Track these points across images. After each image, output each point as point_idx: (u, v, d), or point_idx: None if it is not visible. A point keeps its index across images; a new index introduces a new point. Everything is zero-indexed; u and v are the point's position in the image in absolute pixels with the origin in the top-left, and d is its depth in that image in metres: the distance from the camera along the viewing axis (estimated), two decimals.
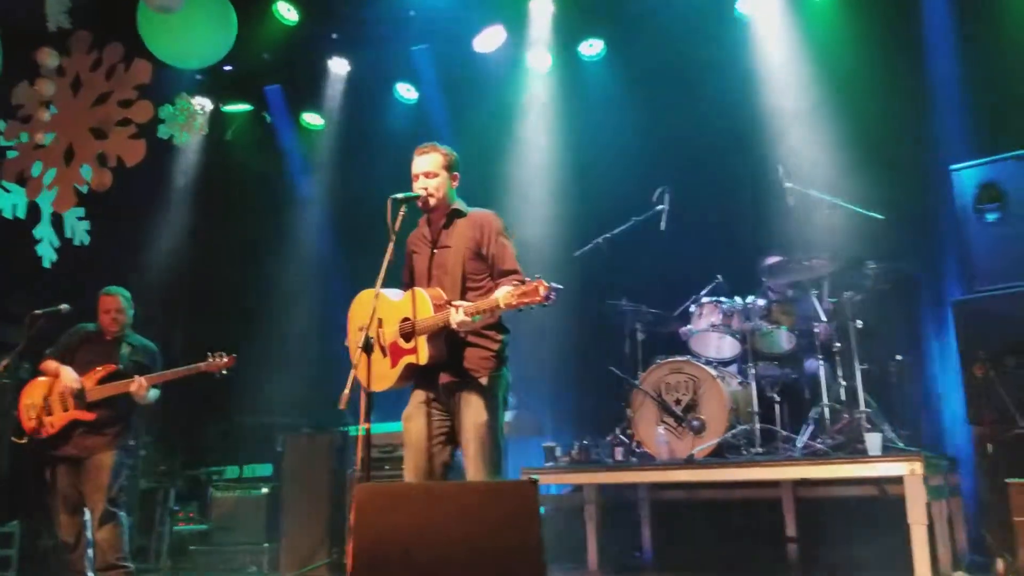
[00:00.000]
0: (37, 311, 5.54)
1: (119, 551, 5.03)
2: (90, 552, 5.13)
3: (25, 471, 5.83)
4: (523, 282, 3.84)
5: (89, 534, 5.11)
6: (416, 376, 3.97)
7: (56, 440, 5.13)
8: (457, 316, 3.67)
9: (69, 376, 5.23)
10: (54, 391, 5.22)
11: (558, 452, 6.46)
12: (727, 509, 6.46)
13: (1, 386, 6.17)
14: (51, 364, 5.35)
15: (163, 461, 7.51)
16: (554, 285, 3.49)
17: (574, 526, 6.28)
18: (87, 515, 5.11)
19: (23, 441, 5.23)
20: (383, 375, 3.92)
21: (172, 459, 7.55)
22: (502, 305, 3.57)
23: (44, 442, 5.14)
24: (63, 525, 5.11)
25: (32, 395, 5.30)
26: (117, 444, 5.21)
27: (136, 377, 5.15)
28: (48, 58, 6.85)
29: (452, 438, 3.91)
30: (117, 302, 5.48)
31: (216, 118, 8.31)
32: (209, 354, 5.29)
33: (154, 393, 5.32)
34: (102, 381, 5.22)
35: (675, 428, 5.75)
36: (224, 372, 5.29)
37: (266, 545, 6.86)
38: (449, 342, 3.86)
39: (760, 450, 5.43)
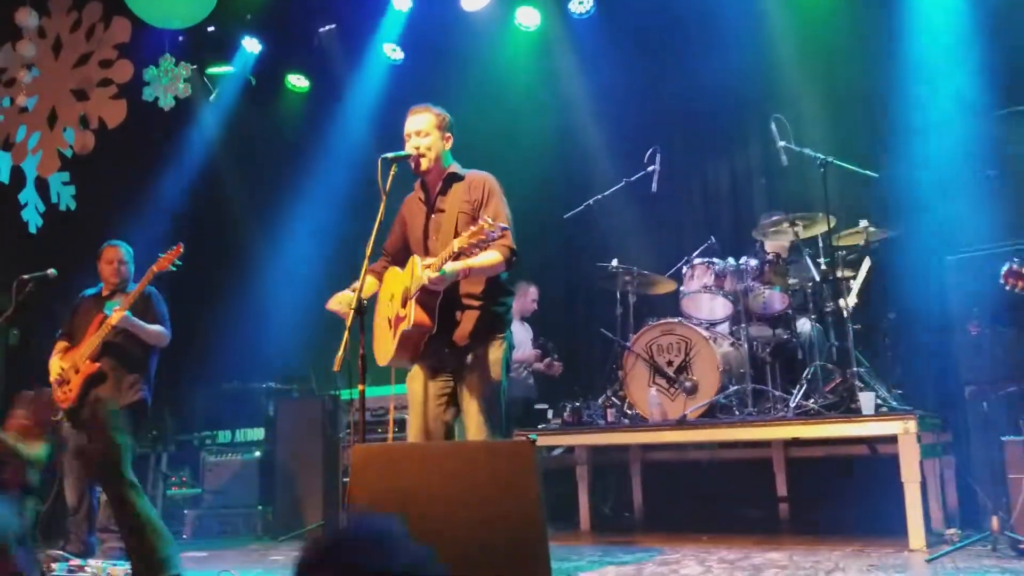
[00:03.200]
0: (24, 276, 5.50)
1: None
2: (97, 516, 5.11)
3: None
4: (512, 251, 3.82)
5: (95, 498, 5.09)
6: (420, 345, 3.93)
7: (79, 408, 5.06)
8: (425, 273, 3.63)
9: (53, 363, 5.23)
10: (66, 364, 5.19)
11: (550, 414, 6.47)
12: (719, 470, 6.50)
13: None
14: (56, 348, 5.34)
15: (154, 426, 7.48)
16: (501, 224, 3.47)
17: (566, 487, 6.31)
18: None
19: (58, 419, 5.14)
20: (386, 349, 3.90)
21: (163, 424, 7.53)
22: (456, 248, 3.55)
23: (71, 413, 5.06)
24: (70, 487, 5.09)
25: (54, 374, 5.24)
26: (129, 397, 5.09)
27: (112, 313, 5.06)
28: (28, 18, 6.72)
29: (455, 400, 3.91)
30: (119, 253, 5.44)
31: (199, 80, 8.18)
32: (159, 255, 5.20)
33: (158, 329, 5.23)
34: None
35: (667, 389, 5.75)
36: (177, 263, 5.18)
37: (259, 508, 6.88)
38: (452, 306, 3.83)
39: (752, 410, 5.44)
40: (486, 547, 2.98)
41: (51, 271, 5.47)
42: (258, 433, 7.42)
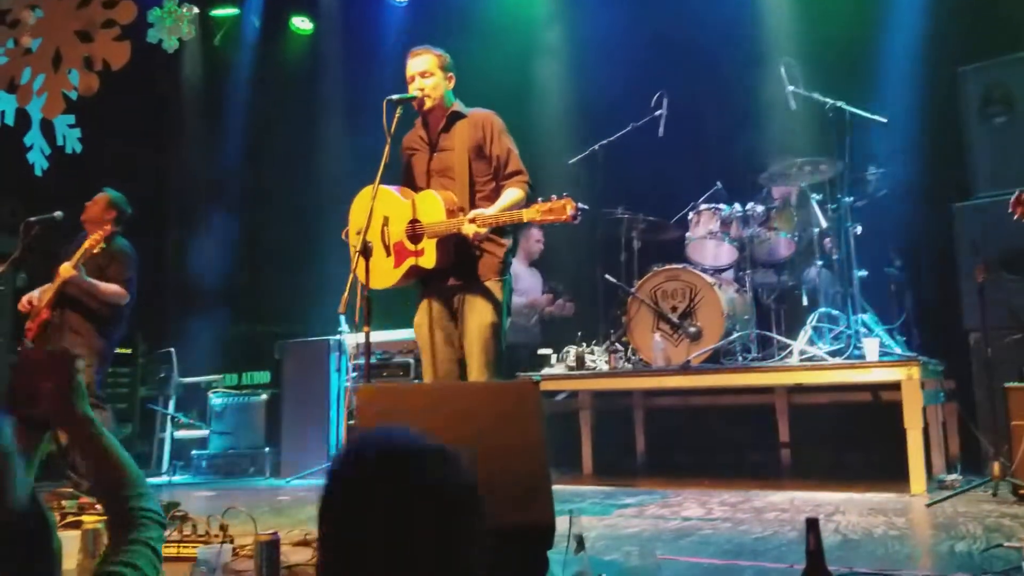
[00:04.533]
0: (31, 219, 5.49)
1: None
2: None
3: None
4: (529, 185, 3.83)
5: None
6: (420, 278, 3.97)
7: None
8: (472, 227, 3.66)
9: (27, 296, 5.30)
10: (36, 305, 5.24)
11: (553, 360, 6.50)
12: (721, 415, 6.54)
13: None
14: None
15: (161, 369, 7.55)
16: (581, 205, 3.49)
17: (569, 432, 6.36)
18: None
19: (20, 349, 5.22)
20: (385, 274, 3.91)
21: (170, 367, 7.59)
22: (525, 219, 3.59)
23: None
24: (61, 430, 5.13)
25: (21, 304, 5.31)
26: (89, 344, 5.12)
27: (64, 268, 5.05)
28: None
29: (459, 340, 3.93)
30: (100, 201, 5.43)
31: (204, 23, 8.08)
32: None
33: (114, 288, 5.18)
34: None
35: (671, 335, 5.76)
36: (103, 246, 5.11)
37: (266, 450, 6.96)
38: (455, 246, 3.84)
39: (756, 356, 5.46)
40: (490, 487, 3.00)
41: (57, 214, 5.47)
42: (264, 376, 7.47)
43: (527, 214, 3.61)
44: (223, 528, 3.11)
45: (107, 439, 1.69)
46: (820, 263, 5.64)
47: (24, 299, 5.31)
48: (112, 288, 5.20)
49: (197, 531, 3.13)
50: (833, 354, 5.17)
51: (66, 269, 5.02)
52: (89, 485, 4.90)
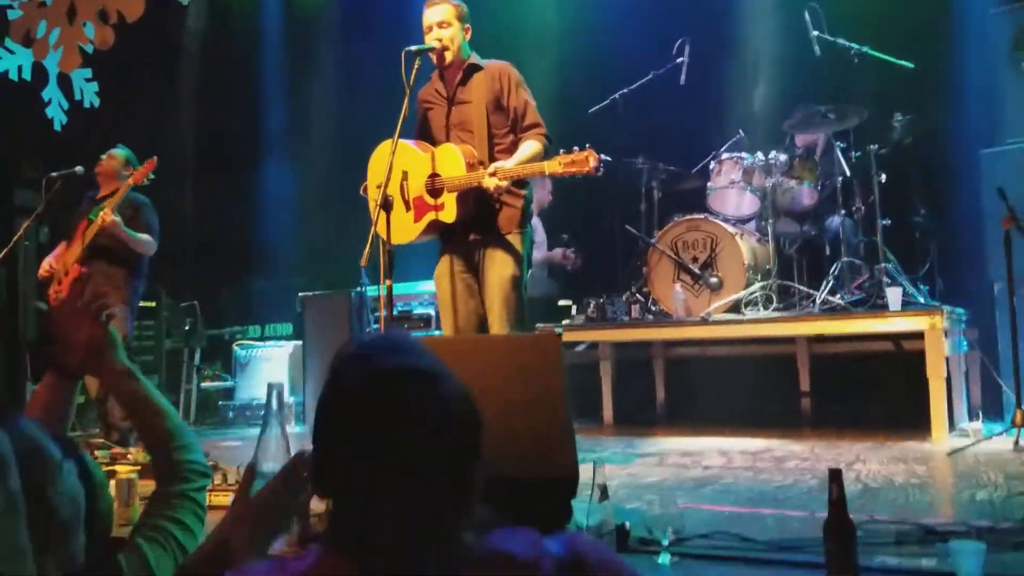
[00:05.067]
0: (53, 174, 5.52)
1: None
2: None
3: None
4: (547, 137, 3.81)
5: None
6: (440, 233, 3.97)
7: None
8: (493, 180, 3.65)
9: (45, 262, 5.30)
10: (60, 266, 5.26)
11: (573, 311, 6.51)
12: (742, 366, 6.54)
13: (23, 250, 6.21)
14: (60, 247, 5.39)
15: (185, 322, 7.63)
16: (603, 156, 3.47)
17: (589, 383, 6.39)
18: None
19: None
20: (405, 229, 3.91)
21: (195, 319, 7.67)
22: (547, 173, 3.57)
23: None
24: (88, 381, 5.21)
25: (43, 270, 5.33)
26: (120, 296, 5.13)
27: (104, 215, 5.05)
28: None
29: (480, 294, 3.94)
30: (115, 158, 5.42)
31: None
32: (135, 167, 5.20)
33: (144, 238, 5.21)
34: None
35: (692, 286, 5.75)
36: (151, 177, 5.16)
37: (291, 399, 7.04)
38: (475, 200, 3.83)
39: (777, 307, 5.44)
40: (513, 438, 3.03)
41: (78, 168, 5.48)
42: (287, 328, 7.55)
43: (549, 166, 3.60)
44: None
45: (147, 390, 1.71)
46: (843, 213, 5.59)
47: (44, 265, 5.32)
48: (145, 237, 5.23)
49: (228, 480, 3.19)
50: (856, 304, 5.15)
51: (106, 215, 5.01)
52: (119, 435, 5.01)
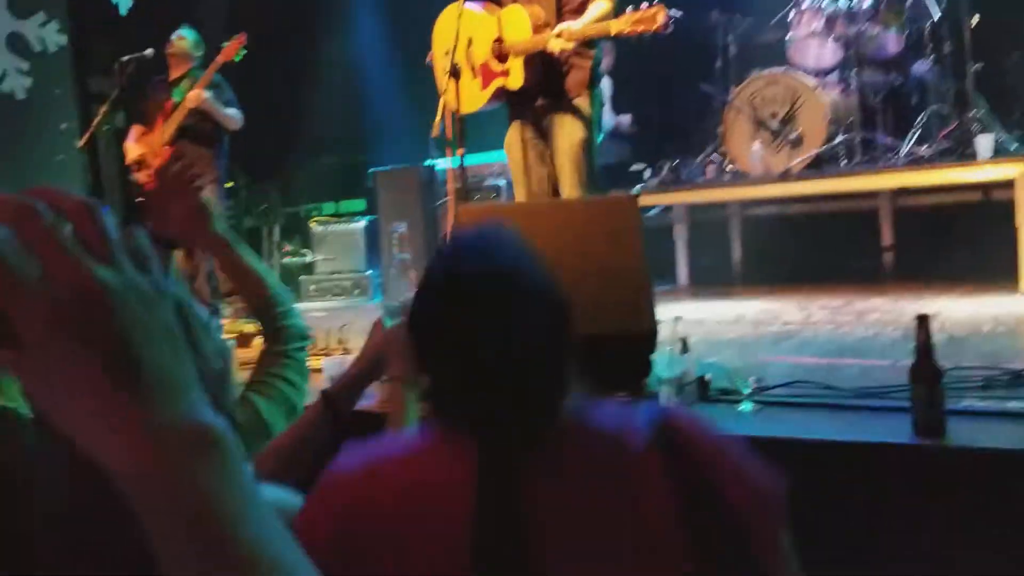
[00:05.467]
0: (124, 58, 5.57)
1: None
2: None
3: (138, 212, 6.06)
4: None
5: (209, 264, 5.38)
6: (507, 99, 3.91)
7: None
8: (559, 42, 3.56)
9: (128, 148, 5.33)
10: (147, 149, 5.32)
11: (647, 174, 6.42)
12: (822, 223, 6.40)
13: (102, 135, 6.36)
14: (131, 132, 5.43)
15: (263, 200, 7.77)
16: (673, 12, 3.33)
17: (664, 246, 6.35)
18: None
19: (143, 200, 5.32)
20: (472, 96, 3.87)
21: (271, 198, 7.81)
22: (612, 32, 3.45)
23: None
24: (180, 260, 5.38)
25: (131, 157, 5.39)
26: (207, 176, 5.13)
27: (189, 94, 5.08)
28: None
29: (551, 159, 3.91)
30: (186, 38, 5.40)
31: None
32: (223, 44, 5.19)
33: (234, 112, 5.27)
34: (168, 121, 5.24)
35: (771, 143, 5.60)
36: (243, 52, 5.16)
37: (368, 272, 7.19)
38: (542, 63, 3.75)
39: (860, 160, 5.28)
40: (592, 299, 3.05)
41: (149, 51, 5.51)
42: (360, 204, 7.63)
43: (615, 26, 3.46)
44: (341, 342, 3.29)
45: (247, 258, 1.76)
46: (932, 59, 5.31)
47: (131, 151, 5.36)
48: (233, 111, 5.27)
49: (318, 345, 3.32)
50: (943, 154, 4.95)
51: (198, 95, 5.05)
52: (210, 309, 5.20)
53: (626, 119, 6.90)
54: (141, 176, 5.30)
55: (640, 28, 3.39)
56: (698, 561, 0.99)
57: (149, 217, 1.74)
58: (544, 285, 1.11)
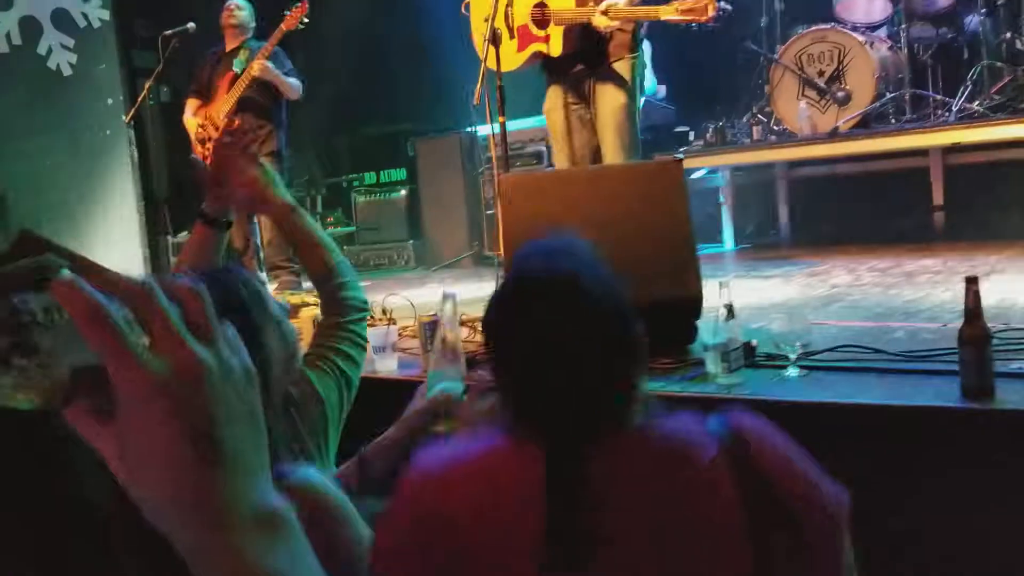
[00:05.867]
0: (167, 32, 5.61)
1: (284, 253, 5.34)
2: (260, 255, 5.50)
3: (187, 187, 6.16)
4: None
5: (256, 239, 5.44)
6: (544, 62, 3.89)
7: None
8: (604, 20, 3.52)
9: (189, 122, 5.34)
10: (206, 121, 5.31)
11: (691, 136, 6.34)
12: (871, 182, 6.29)
13: (147, 109, 6.44)
14: (188, 106, 5.42)
15: (305, 172, 7.83)
16: (723, 5, 3.28)
17: (709, 208, 6.29)
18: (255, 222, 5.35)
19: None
20: (507, 56, 3.84)
21: (312, 169, 7.86)
22: (661, 18, 3.41)
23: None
24: (233, 231, 5.41)
25: (193, 131, 5.38)
26: (270, 148, 5.17)
27: (252, 64, 5.05)
28: None
29: (592, 125, 3.88)
30: (239, 8, 5.37)
31: None
32: (285, 13, 5.14)
33: (294, 82, 5.23)
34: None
35: (817, 102, 5.49)
36: (304, 21, 5.12)
37: (410, 242, 7.23)
38: (582, 30, 3.71)
39: (910, 118, 5.16)
40: (637, 265, 3.05)
41: (190, 25, 5.54)
42: (401, 173, 7.65)
43: (664, 12, 3.42)
44: (385, 312, 3.32)
45: (311, 226, 1.77)
46: (984, 11, 5.16)
47: (192, 124, 5.36)
48: (294, 80, 5.24)
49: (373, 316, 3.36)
50: (995, 109, 4.82)
51: (261, 65, 5.02)
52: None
53: (663, 90, 6.78)
54: (202, 150, 5.30)
55: (689, 18, 3.35)
56: (761, 572, 1.01)
57: (207, 193, 1.76)
58: (611, 291, 1.13)
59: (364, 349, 1.75)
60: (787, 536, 1.02)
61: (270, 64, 5.07)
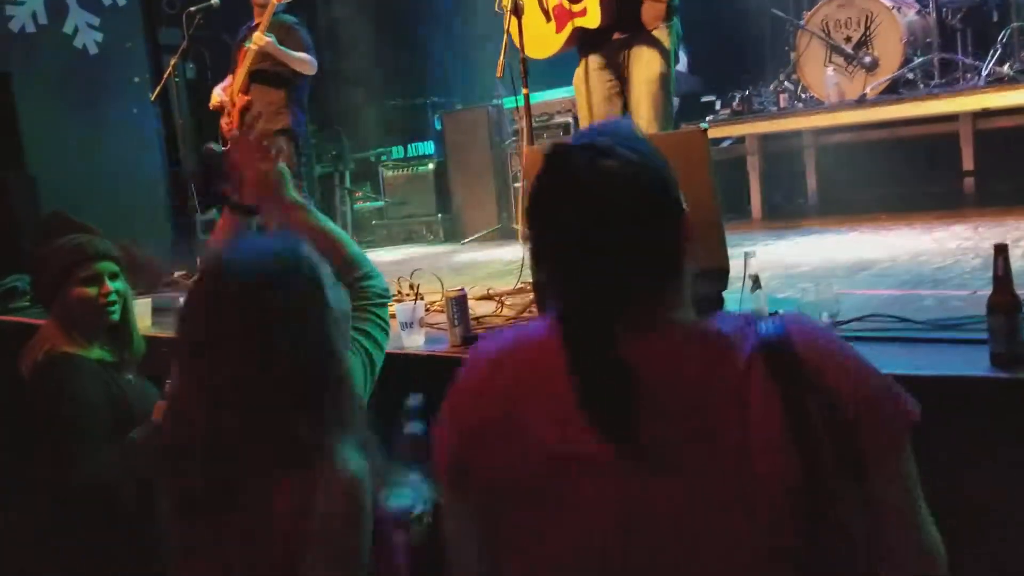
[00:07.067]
0: (191, 8, 5.62)
1: None
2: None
3: (214, 162, 6.17)
4: None
5: None
6: (584, 37, 3.84)
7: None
8: None
9: (214, 94, 5.32)
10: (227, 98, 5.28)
11: (718, 105, 6.29)
12: (900, 149, 6.21)
13: (174, 87, 6.46)
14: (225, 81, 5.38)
15: (333, 147, 7.85)
16: None
17: (737, 178, 6.24)
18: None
19: (225, 148, 5.31)
20: (547, 41, 3.81)
21: (340, 144, 7.88)
22: None
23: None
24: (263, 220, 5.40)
25: (213, 101, 5.36)
26: (281, 123, 5.12)
27: (252, 37, 4.99)
28: None
29: (623, 95, 3.84)
30: None
31: None
32: None
33: (303, 56, 5.11)
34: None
35: (845, 68, 5.43)
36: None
37: (439, 216, 7.25)
38: None
39: (940, 82, 5.08)
40: None
41: (214, 0, 5.53)
42: (428, 147, 7.66)
43: None
44: (413, 287, 3.34)
45: (322, 223, 1.78)
46: None
47: (214, 97, 5.33)
48: (303, 54, 5.14)
49: (401, 292, 3.39)
50: None
51: (259, 38, 4.97)
52: None
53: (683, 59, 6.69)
54: (223, 123, 5.30)
55: None
56: (806, 467, 0.97)
57: (229, 182, 1.79)
58: (651, 160, 1.11)
59: (388, 334, 1.78)
60: (841, 442, 0.98)
61: (271, 37, 4.99)
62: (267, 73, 5.17)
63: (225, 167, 1.83)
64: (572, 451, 1.05)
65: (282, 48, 5.07)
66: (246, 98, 5.14)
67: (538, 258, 1.16)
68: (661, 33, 3.69)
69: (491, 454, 1.10)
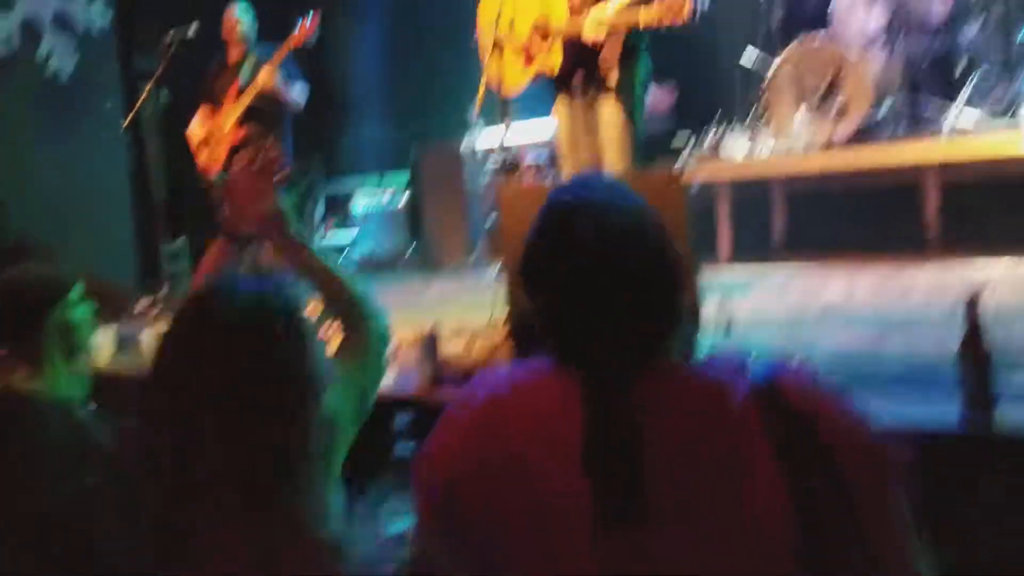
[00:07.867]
0: (168, 34, 5.55)
1: None
2: None
3: (184, 192, 6.12)
4: None
5: None
6: (551, 76, 3.90)
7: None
8: (591, 32, 3.55)
9: (193, 128, 5.27)
10: (211, 131, 5.24)
11: (689, 147, 6.34)
12: (868, 191, 6.29)
13: (147, 114, 6.39)
14: (198, 115, 5.36)
15: (305, 175, 7.80)
16: (699, 3, 3.32)
17: (705, 218, 6.28)
18: None
19: (210, 185, 5.20)
20: (515, 75, 3.86)
21: (312, 174, 7.83)
22: (641, 25, 3.44)
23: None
24: (268, 253, 5.34)
25: (196, 138, 5.31)
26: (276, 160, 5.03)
27: (259, 74, 4.94)
28: None
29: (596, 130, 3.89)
30: (230, 19, 5.22)
31: None
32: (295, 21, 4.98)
33: (300, 88, 5.12)
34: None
35: (814, 113, 5.51)
36: (311, 41, 4.97)
37: (410, 248, 7.22)
38: (579, 40, 3.72)
39: (906, 129, 5.18)
40: None
41: (192, 27, 5.45)
42: (403, 178, 7.64)
43: (644, 17, 3.45)
44: None
45: (323, 263, 1.74)
46: (980, 20, 5.19)
47: (195, 137, 5.28)
48: (299, 89, 5.11)
49: None
50: (990, 120, 4.85)
51: (267, 75, 4.90)
52: None
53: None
54: (202, 158, 5.23)
55: (668, 21, 3.38)
56: (801, 514, 0.99)
57: (227, 211, 1.76)
58: (644, 213, 1.14)
59: (381, 380, 1.73)
60: (829, 481, 1.00)
61: (278, 76, 4.98)
62: (260, 110, 5.10)
63: (224, 198, 1.80)
64: (571, 496, 1.04)
65: (283, 87, 5.02)
66: (242, 132, 5.09)
67: (540, 314, 1.16)
68: (631, 66, 3.75)
69: (484, 495, 1.09)
